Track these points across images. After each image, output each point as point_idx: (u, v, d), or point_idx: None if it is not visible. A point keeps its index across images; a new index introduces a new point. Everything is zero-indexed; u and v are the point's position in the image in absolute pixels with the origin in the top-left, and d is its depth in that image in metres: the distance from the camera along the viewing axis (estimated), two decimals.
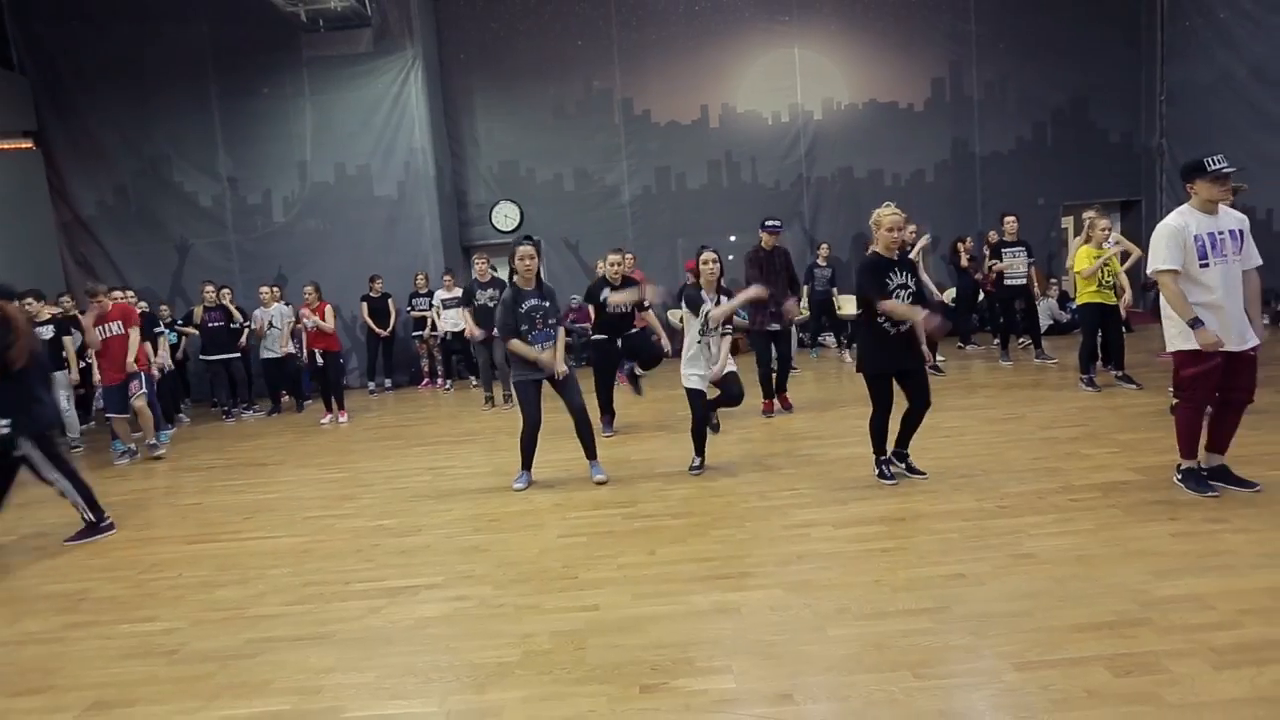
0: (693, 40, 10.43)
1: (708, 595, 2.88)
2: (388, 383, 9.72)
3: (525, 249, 4.44)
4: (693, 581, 3.01)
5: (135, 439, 6.53)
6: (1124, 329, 6.44)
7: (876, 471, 4.16)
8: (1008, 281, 7.72)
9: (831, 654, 2.39)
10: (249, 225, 10.05)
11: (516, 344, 4.38)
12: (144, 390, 6.30)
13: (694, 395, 4.53)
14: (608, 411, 5.92)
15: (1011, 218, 7.69)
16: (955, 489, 3.90)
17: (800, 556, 3.19)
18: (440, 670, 2.49)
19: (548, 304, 4.46)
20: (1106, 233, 5.97)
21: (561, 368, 4.42)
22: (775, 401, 6.16)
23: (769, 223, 6.16)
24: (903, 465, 4.19)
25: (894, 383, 4.07)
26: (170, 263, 10.01)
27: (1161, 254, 3.37)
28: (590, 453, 4.56)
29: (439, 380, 9.66)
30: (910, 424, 4.14)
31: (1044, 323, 8.83)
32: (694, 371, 4.51)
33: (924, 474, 4.13)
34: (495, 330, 7.39)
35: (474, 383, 9.05)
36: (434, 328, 9.51)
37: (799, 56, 10.47)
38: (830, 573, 3.00)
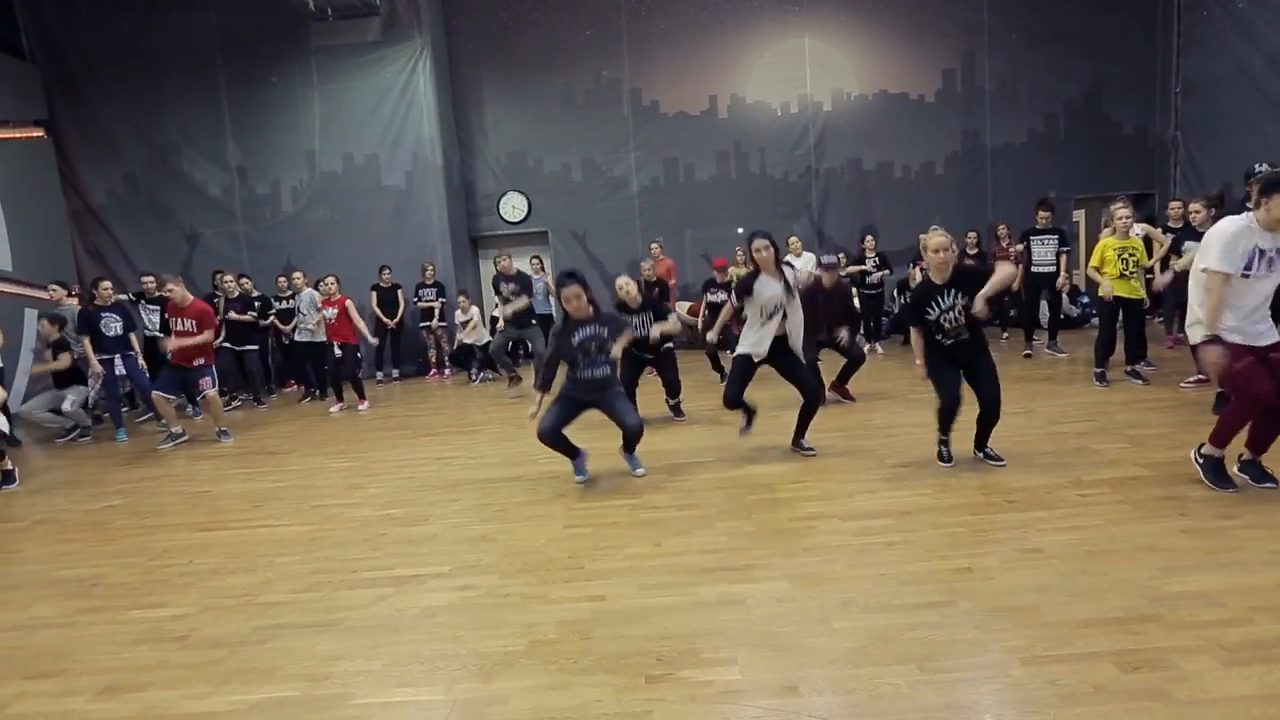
0: (702, 30, 10.36)
1: (713, 587, 2.88)
2: (395, 373, 9.76)
3: (570, 290, 4.15)
4: (699, 573, 3.02)
5: (185, 424, 6.77)
6: (1145, 319, 6.28)
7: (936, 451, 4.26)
8: (1035, 269, 7.66)
9: (837, 647, 2.38)
10: (258, 215, 10.08)
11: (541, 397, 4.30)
12: (214, 384, 6.64)
13: (736, 361, 4.60)
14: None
15: (1046, 211, 7.64)
16: (962, 483, 3.88)
17: (806, 549, 3.19)
18: (447, 659, 2.50)
19: (604, 331, 4.24)
20: (1127, 221, 5.87)
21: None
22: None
23: (825, 260, 6.21)
24: (982, 454, 4.22)
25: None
26: (180, 252, 10.05)
27: (1216, 253, 3.29)
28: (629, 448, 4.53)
29: (446, 371, 9.71)
30: (983, 424, 4.15)
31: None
32: (747, 341, 4.58)
33: (1002, 461, 4.14)
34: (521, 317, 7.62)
35: (484, 377, 9.08)
36: (441, 317, 9.56)
37: (809, 47, 10.39)
38: (836, 565, 3.00)
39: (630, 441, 4.43)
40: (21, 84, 9.52)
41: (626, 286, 5.85)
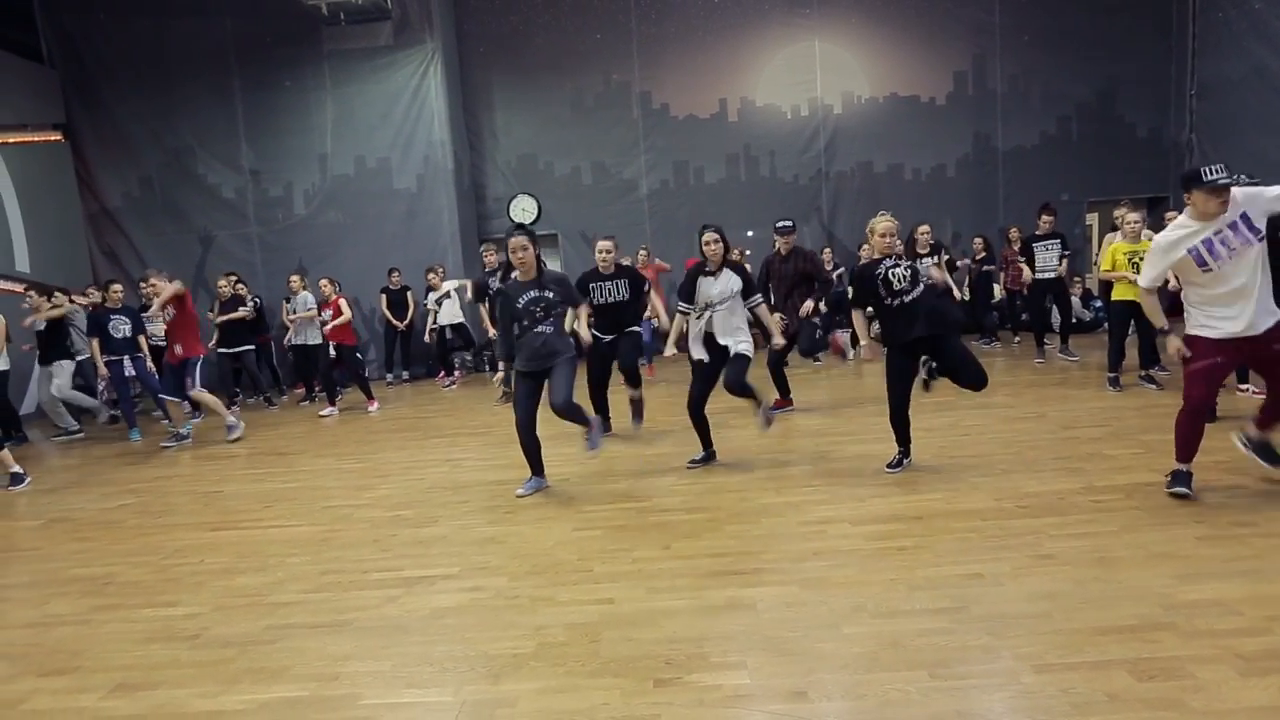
0: (712, 33, 10.37)
1: (722, 590, 2.87)
2: (405, 374, 9.80)
3: (516, 240, 4.09)
4: (707, 576, 3.01)
5: (194, 423, 6.88)
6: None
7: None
8: (1038, 276, 7.65)
9: (847, 652, 2.37)
10: (270, 217, 10.17)
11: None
12: (194, 384, 6.57)
13: (693, 368, 4.59)
14: (602, 413, 5.51)
15: (1049, 216, 7.60)
16: (974, 488, 3.85)
17: (816, 553, 3.17)
18: (455, 660, 2.51)
19: (550, 294, 4.13)
20: (1136, 226, 5.83)
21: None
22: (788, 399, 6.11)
23: (779, 224, 6.07)
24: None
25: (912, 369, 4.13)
26: (194, 254, 10.15)
27: (1145, 270, 3.59)
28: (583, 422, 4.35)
29: (455, 373, 9.73)
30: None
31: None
32: (696, 345, 4.57)
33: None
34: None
35: (494, 379, 9.10)
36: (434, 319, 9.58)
37: (819, 49, 10.38)
38: (846, 570, 2.98)
39: (560, 414, 4.16)
40: (40, 88, 9.65)
41: (605, 248, 5.37)
